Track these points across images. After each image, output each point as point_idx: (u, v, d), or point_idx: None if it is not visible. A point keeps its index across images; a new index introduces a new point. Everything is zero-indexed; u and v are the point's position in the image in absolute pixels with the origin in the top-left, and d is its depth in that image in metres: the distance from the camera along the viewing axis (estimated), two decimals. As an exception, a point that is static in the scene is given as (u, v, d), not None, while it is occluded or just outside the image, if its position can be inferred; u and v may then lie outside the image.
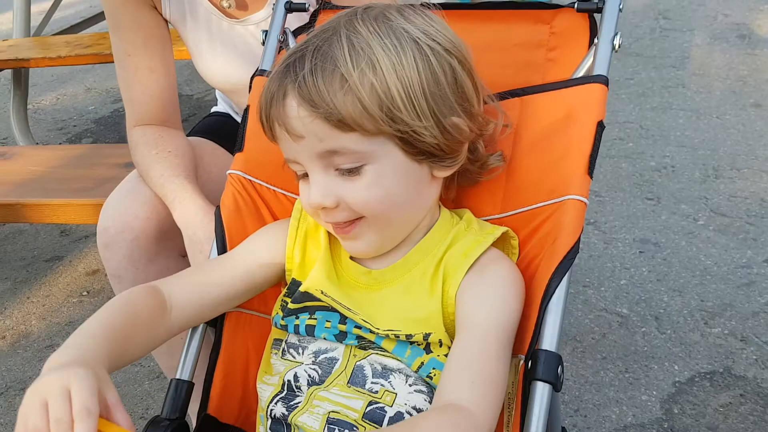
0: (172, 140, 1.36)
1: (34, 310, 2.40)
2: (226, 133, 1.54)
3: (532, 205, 0.91)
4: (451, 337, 0.86)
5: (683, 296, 2.09)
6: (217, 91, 1.72)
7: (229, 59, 1.42)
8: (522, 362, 0.82)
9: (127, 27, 1.34)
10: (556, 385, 0.78)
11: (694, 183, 2.66)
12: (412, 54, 0.82)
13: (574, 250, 0.81)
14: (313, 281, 0.92)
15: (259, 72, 1.09)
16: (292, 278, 0.95)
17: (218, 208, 1.02)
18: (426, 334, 0.85)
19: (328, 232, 0.93)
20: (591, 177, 0.85)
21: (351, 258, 0.93)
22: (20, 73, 3.32)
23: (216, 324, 0.98)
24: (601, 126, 0.87)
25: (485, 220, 0.95)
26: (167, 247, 1.37)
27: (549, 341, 0.79)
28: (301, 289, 0.92)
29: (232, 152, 1.11)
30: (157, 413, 0.94)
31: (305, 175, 0.87)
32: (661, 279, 2.17)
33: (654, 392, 1.77)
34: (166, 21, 1.40)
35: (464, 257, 0.87)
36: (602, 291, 2.14)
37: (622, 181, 2.72)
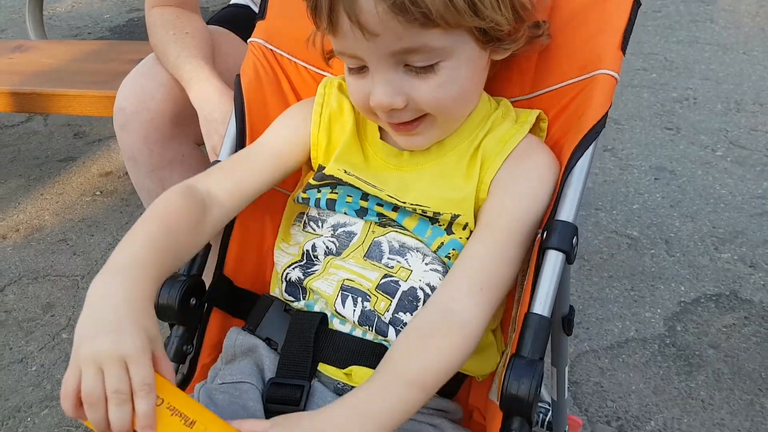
0: (190, 22, 1.34)
1: (48, 206, 2.42)
2: (244, 24, 1.51)
3: (562, 83, 0.88)
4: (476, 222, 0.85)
5: (695, 222, 2.08)
6: (237, -18, 1.68)
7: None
8: (539, 235, 0.81)
9: None
10: (569, 255, 0.78)
11: (715, 115, 2.62)
12: None
13: (600, 124, 0.80)
14: (334, 163, 0.89)
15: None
16: (318, 164, 0.93)
17: (238, 76, 1.01)
18: (455, 215, 0.84)
19: (354, 111, 0.92)
20: (623, 54, 0.83)
21: (381, 138, 0.91)
22: (36, -28, 3.25)
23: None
24: (637, 3, 0.84)
25: (514, 101, 0.93)
26: (183, 132, 1.36)
27: (567, 212, 0.78)
28: (325, 171, 0.89)
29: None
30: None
31: (362, 69, 0.81)
32: (675, 205, 2.16)
33: (658, 310, 1.79)
34: None
35: (502, 144, 0.86)
36: (614, 214, 2.14)
37: (643, 110, 2.68)
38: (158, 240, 0.77)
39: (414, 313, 0.83)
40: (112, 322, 0.66)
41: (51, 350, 1.81)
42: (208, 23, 1.53)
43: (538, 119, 0.91)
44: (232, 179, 0.89)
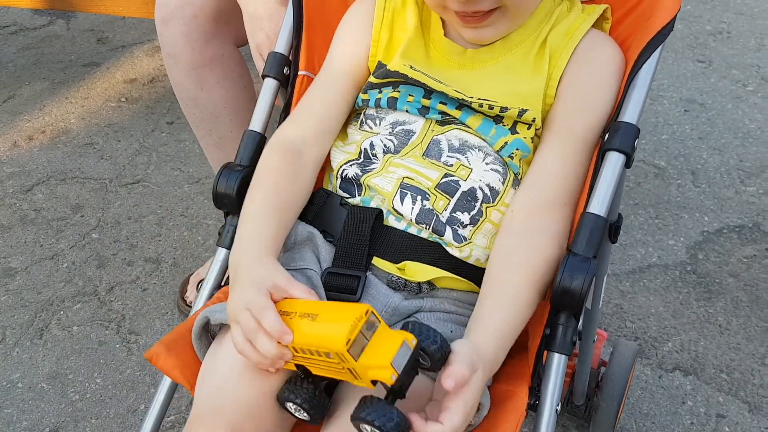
0: None
1: (73, 110, 2.42)
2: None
3: (631, -17, 0.87)
4: (543, 119, 0.86)
5: (723, 155, 2.08)
6: None
7: None
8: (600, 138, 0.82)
9: None
10: (630, 158, 0.79)
11: (748, 50, 2.57)
12: None
13: (669, 27, 0.79)
14: (399, 59, 0.89)
15: None
16: (378, 61, 0.93)
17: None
18: (522, 110, 0.84)
19: (418, 7, 0.90)
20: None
21: (446, 35, 0.90)
22: None
23: (287, 84, 0.98)
24: None
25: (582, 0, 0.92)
26: (224, 31, 1.35)
27: (631, 114, 0.79)
28: (390, 67, 0.89)
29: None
30: (195, 212, 0.98)
31: None
32: (703, 137, 2.15)
33: (681, 239, 1.81)
34: None
35: (569, 38, 0.86)
36: (642, 143, 2.13)
37: (675, 42, 2.63)
38: (276, 202, 0.85)
39: (472, 214, 0.85)
40: (239, 278, 0.79)
41: (82, 249, 1.84)
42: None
43: (603, 16, 0.90)
44: (317, 117, 0.93)
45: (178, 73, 1.39)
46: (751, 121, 2.21)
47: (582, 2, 0.91)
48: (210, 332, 0.84)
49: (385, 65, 0.90)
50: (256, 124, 0.95)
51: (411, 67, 0.88)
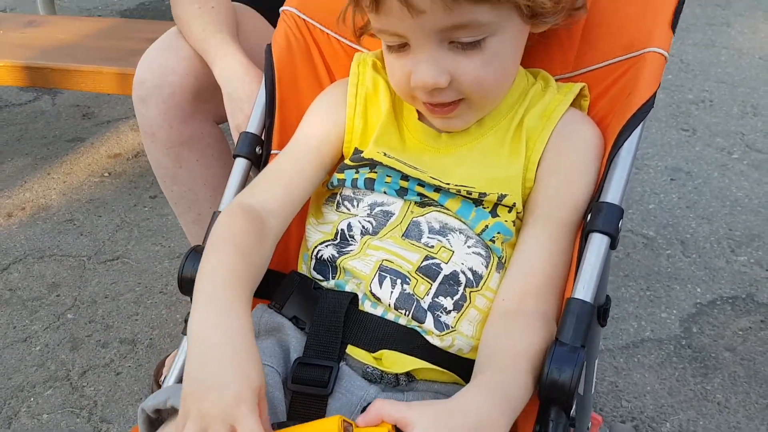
0: (215, -5, 1.31)
1: (55, 185, 2.39)
2: (268, 2, 1.49)
3: (607, 61, 0.86)
4: (523, 203, 0.83)
5: (711, 224, 2.06)
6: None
7: None
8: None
9: None
10: (614, 239, 0.75)
11: (731, 118, 2.59)
12: None
13: (649, 104, 0.77)
14: (373, 146, 0.86)
15: None
16: (354, 147, 0.90)
17: (269, 45, 0.98)
18: (501, 195, 0.81)
19: (390, 91, 0.89)
20: (674, 32, 0.81)
21: (419, 118, 0.88)
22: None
23: (260, 163, 0.95)
24: (688, -20, 0.82)
25: (557, 79, 0.91)
26: (203, 109, 1.33)
27: (613, 194, 0.76)
28: (364, 155, 0.86)
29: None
30: (174, 289, 0.91)
31: (402, 47, 0.77)
32: (691, 206, 2.14)
33: (674, 311, 1.76)
34: None
35: (546, 119, 0.84)
36: (630, 213, 2.11)
37: (659, 110, 2.65)
38: (237, 269, 0.76)
39: (455, 299, 0.80)
40: (216, 375, 0.66)
41: (56, 330, 1.78)
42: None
43: (580, 95, 0.88)
44: (281, 187, 0.87)
45: (156, 151, 1.37)
46: (738, 189, 2.20)
47: (557, 80, 0.90)
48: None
49: (361, 150, 0.87)
50: (225, 204, 0.91)
51: (385, 154, 0.85)
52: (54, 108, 2.91)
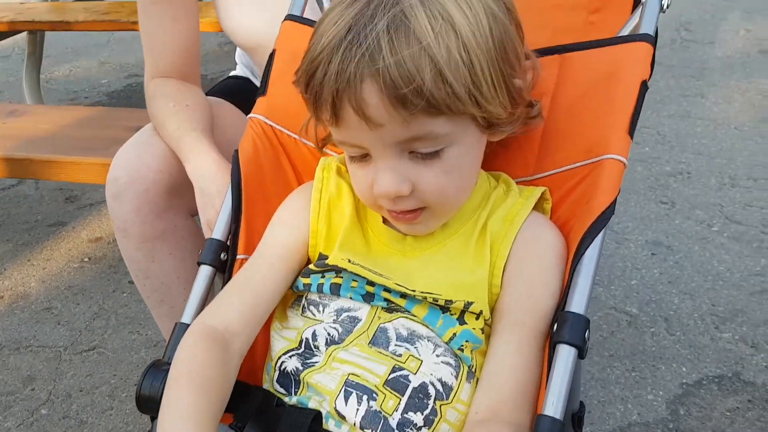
0: (191, 94, 1.33)
1: (34, 272, 2.37)
2: (243, 96, 1.51)
3: (567, 166, 0.87)
4: (491, 310, 0.83)
5: (694, 300, 2.05)
6: (237, 54, 1.69)
7: (255, 11, 1.38)
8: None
9: None
10: (582, 350, 0.74)
11: (709, 190, 2.62)
12: (483, 12, 0.74)
13: (609, 211, 0.77)
14: (338, 252, 0.86)
15: (289, 17, 1.05)
16: (319, 253, 0.90)
17: (236, 151, 0.99)
18: (468, 302, 0.81)
19: (354, 195, 0.89)
20: (632, 138, 0.82)
21: (384, 222, 0.89)
22: (35, 36, 3.28)
23: (225, 269, 0.94)
24: (644, 86, 0.84)
25: (517, 182, 0.92)
26: (177, 204, 1.33)
27: (578, 303, 0.75)
28: (328, 262, 0.86)
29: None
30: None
31: (364, 157, 0.79)
32: (673, 282, 2.13)
33: (660, 392, 1.73)
34: (191, -28, 1.36)
35: (509, 224, 0.84)
36: (612, 290, 2.11)
37: (637, 183, 2.68)
38: (199, 407, 0.76)
39: (425, 413, 0.78)
40: None
41: (29, 427, 1.72)
42: (207, 94, 1.53)
43: (542, 198, 0.89)
44: (244, 304, 0.87)
45: (128, 246, 1.36)
46: (720, 263, 2.21)
47: (518, 183, 0.90)
48: None
49: (326, 255, 0.87)
50: (188, 315, 0.90)
51: (349, 260, 0.84)
52: (37, 192, 2.92)
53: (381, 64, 0.69)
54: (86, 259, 2.43)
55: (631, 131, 0.82)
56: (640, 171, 2.77)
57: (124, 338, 2.02)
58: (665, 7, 0.88)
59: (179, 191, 1.31)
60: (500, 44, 0.76)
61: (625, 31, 0.92)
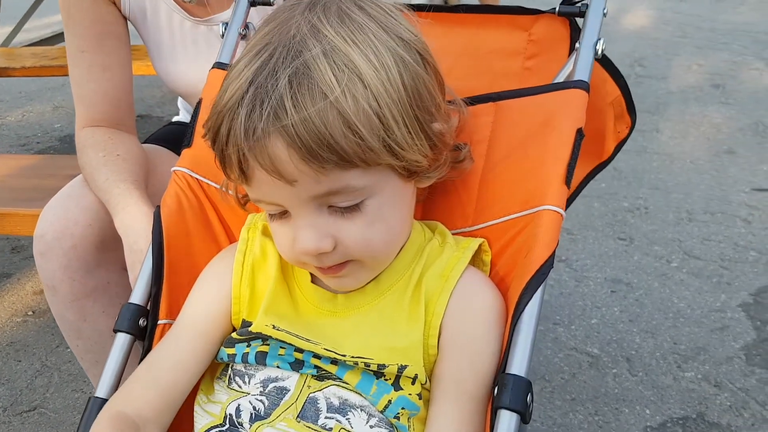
0: (123, 143, 1.27)
1: (-26, 329, 2.25)
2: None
3: (505, 217, 0.83)
4: (428, 373, 0.77)
5: (656, 338, 2.02)
6: (179, 100, 1.64)
7: (190, 61, 1.34)
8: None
9: (82, 21, 1.26)
10: (524, 416, 0.69)
11: (667, 225, 2.62)
12: (392, 60, 0.71)
13: (547, 265, 0.73)
14: (262, 318, 0.80)
15: (216, 65, 1.01)
16: (242, 320, 0.84)
17: (158, 207, 0.93)
18: (401, 366, 0.76)
19: (279, 255, 0.84)
20: (568, 187, 0.78)
21: (313, 280, 0.83)
22: (-18, 83, 3.19)
23: (144, 336, 0.87)
24: (580, 134, 0.80)
25: (456, 233, 0.87)
26: (108, 258, 1.26)
27: (518, 365, 0.70)
28: (252, 329, 0.80)
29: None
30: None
31: (284, 214, 0.75)
32: (633, 320, 2.10)
33: (624, 437, 1.68)
34: (125, 18, 1.32)
35: (444, 280, 0.79)
36: (572, 329, 2.07)
37: (594, 220, 2.67)
38: None
39: None
40: None
41: (-43, 499, 1.61)
42: (146, 142, 1.47)
43: (481, 249, 0.84)
44: (159, 387, 0.81)
45: (58, 305, 1.28)
46: (680, 300, 2.19)
47: (456, 233, 0.86)
48: None
49: (250, 322, 0.81)
50: (103, 390, 0.83)
51: (274, 326, 0.79)
52: (-19, 242, 2.80)
53: (286, 120, 0.66)
54: (30, 313, 2.32)
55: (567, 181, 0.78)
56: (598, 207, 2.76)
57: (67, 397, 1.92)
58: (599, 52, 0.85)
59: (111, 245, 1.24)
60: (413, 90, 0.72)
61: (560, 78, 0.90)
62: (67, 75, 2.96)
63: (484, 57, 0.97)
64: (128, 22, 1.33)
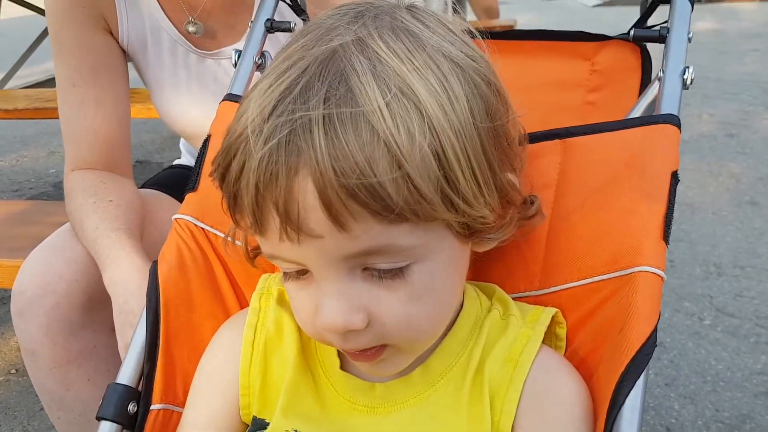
0: (117, 188, 1.12)
1: (-49, 388, 2.07)
2: (185, 187, 1.31)
3: (585, 279, 0.67)
4: None
5: (696, 405, 1.84)
6: (181, 142, 1.50)
7: (195, 99, 1.20)
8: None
9: (74, 51, 1.13)
10: None
11: (695, 279, 2.47)
12: (460, 87, 0.56)
13: (650, 343, 0.58)
14: (279, 421, 0.64)
15: (228, 96, 0.87)
16: (253, 417, 0.69)
17: (155, 263, 0.77)
18: None
19: (298, 329, 0.69)
20: (667, 244, 0.63)
21: (342, 366, 0.67)
22: (-26, 126, 3.08)
23: (134, 425, 0.70)
24: (675, 178, 0.66)
25: (517, 298, 0.71)
26: (96, 319, 1.11)
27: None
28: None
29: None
30: None
31: (302, 274, 0.59)
32: (670, 383, 1.93)
33: None
34: (122, 50, 1.19)
35: (513, 366, 0.63)
36: (604, 395, 1.89)
37: (619, 273, 2.52)
38: None
39: None
40: None
41: None
42: (143, 186, 1.33)
43: (554, 321, 0.68)
44: None
45: (38, 372, 1.12)
46: (717, 361, 2.02)
47: (517, 298, 0.70)
48: None
49: (263, 420, 0.65)
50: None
51: (296, 431, 0.62)
52: (-35, 293, 2.63)
53: (316, 154, 0.51)
54: (13, 371, 2.14)
55: (666, 236, 0.63)
56: (621, 260, 2.61)
57: (45, 471, 1.73)
58: (688, 82, 0.72)
59: (99, 304, 1.08)
60: (485, 127, 0.57)
61: (637, 113, 0.75)
62: (59, 118, 2.83)
63: (537, 90, 0.84)
64: (126, 55, 1.20)
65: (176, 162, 1.50)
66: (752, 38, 6.76)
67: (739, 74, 5.50)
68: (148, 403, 0.71)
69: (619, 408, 0.56)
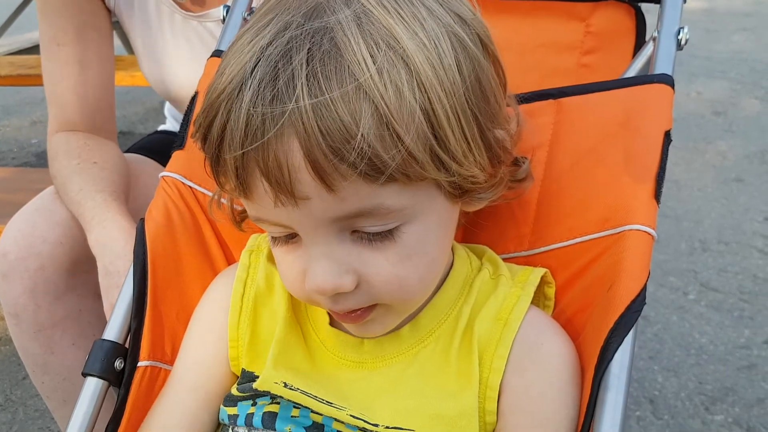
0: (101, 150, 1.11)
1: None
2: (170, 153, 1.29)
3: (575, 239, 0.67)
4: None
5: (679, 377, 1.87)
6: (166, 107, 1.48)
7: (180, 61, 1.18)
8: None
9: (60, 10, 1.10)
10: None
11: (680, 255, 2.48)
12: (448, 42, 0.54)
13: (639, 300, 0.58)
14: (270, 372, 0.64)
15: (216, 53, 0.85)
16: (242, 369, 0.68)
17: (141, 221, 0.76)
18: None
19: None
20: (658, 203, 0.63)
21: (331, 322, 0.67)
22: (-44, 93, 3.02)
23: (121, 382, 0.70)
24: (668, 137, 0.65)
25: (508, 258, 0.71)
26: (81, 282, 1.09)
27: (610, 429, 0.54)
28: (257, 386, 0.63)
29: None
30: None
31: (291, 238, 0.58)
32: (654, 357, 1.95)
33: (654, 489, 1.52)
34: (108, 10, 1.16)
35: (502, 324, 0.63)
36: (589, 367, 1.91)
37: (605, 248, 2.53)
38: None
39: None
40: None
41: None
42: (127, 151, 1.31)
43: (543, 281, 0.68)
44: None
45: (21, 335, 1.11)
46: (701, 335, 2.04)
47: (507, 259, 0.70)
48: None
49: (252, 373, 0.64)
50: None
51: (285, 384, 0.62)
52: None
53: (301, 113, 0.49)
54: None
55: (657, 195, 0.63)
56: (608, 235, 2.63)
57: (30, 440, 1.72)
58: (683, 43, 0.71)
59: (84, 267, 1.07)
60: (474, 83, 0.56)
61: (631, 73, 0.75)
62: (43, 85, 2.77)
63: (532, 52, 0.83)
64: (112, 15, 1.18)
65: (161, 127, 1.48)
66: (742, 17, 6.75)
67: (728, 53, 5.49)
68: (135, 359, 0.70)
69: (608, 363, 0.56)
